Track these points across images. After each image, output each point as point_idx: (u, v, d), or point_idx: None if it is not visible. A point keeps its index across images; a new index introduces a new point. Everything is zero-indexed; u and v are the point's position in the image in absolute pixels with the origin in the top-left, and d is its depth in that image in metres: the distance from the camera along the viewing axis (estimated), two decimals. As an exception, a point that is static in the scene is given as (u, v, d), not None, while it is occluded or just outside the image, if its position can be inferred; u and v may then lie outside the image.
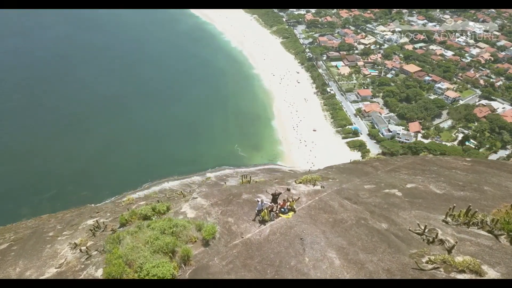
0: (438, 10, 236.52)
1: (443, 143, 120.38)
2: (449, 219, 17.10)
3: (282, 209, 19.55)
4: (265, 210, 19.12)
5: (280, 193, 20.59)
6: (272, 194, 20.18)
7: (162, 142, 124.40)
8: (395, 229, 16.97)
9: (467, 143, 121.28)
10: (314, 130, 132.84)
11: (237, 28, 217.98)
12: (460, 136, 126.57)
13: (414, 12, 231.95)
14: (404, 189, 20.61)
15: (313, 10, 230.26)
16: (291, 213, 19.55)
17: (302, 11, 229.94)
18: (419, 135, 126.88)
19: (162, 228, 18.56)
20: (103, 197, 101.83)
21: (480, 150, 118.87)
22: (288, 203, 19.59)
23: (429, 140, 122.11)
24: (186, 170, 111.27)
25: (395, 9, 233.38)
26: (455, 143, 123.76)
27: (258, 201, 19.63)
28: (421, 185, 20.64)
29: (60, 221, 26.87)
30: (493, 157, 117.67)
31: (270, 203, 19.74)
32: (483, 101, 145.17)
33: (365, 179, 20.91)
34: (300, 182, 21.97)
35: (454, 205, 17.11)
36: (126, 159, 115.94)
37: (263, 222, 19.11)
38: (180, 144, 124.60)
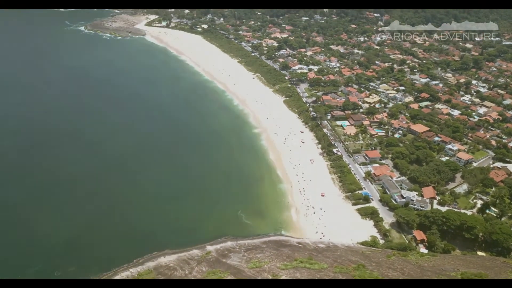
0: (439, 68, 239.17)
1: (462, 211, 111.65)
2: None
3: None
4: None
5: None
6: None
7: (158, 209, 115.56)
8: None
9: (487, 211, 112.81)
10: (322, 195, 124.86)
11: (239, 86, 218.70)
12: (479, 203, 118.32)
13: (416, 70, 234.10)
14: None
15: (315, 69, 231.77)
16: None
17: (305, 70, 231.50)
18: (435, 201, 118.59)
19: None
20: (91, 273, 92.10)
21: (502, 219, 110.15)
22: None
23: (446, 208, 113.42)
24: (184, 241, 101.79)
25: (396, 68, 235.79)
26: (474, 210, 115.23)
27: None
28: None
29: None
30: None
31: None
32: (498, 164, 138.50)
33: None
34: None
35: None
36: (117, 229, 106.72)
37: None
38: (178, 211, 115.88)
